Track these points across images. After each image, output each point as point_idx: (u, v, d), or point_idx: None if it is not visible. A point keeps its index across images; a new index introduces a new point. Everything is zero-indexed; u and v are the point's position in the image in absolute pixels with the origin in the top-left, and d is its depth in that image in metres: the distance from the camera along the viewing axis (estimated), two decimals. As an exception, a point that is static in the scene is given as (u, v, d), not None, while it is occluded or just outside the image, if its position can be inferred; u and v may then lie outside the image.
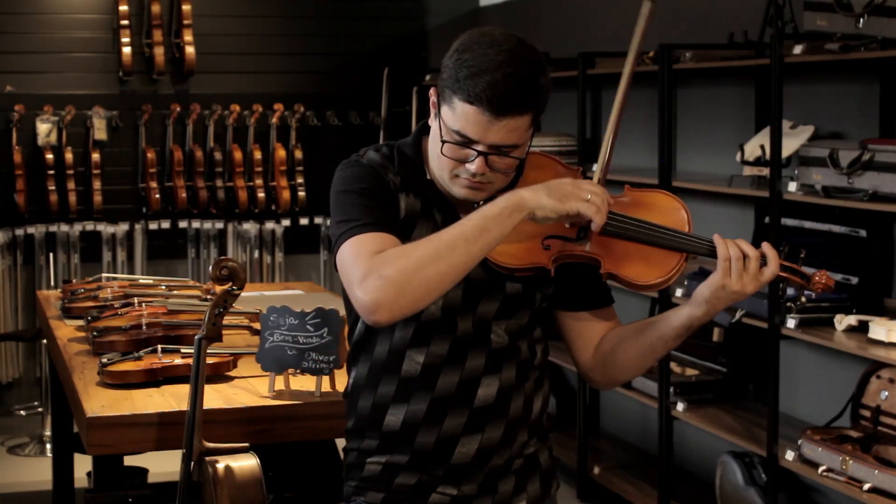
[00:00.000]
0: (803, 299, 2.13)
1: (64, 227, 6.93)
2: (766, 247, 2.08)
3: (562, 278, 2.17)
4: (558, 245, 2.08)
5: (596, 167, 2.15)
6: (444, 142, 2.05)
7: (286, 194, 7.17)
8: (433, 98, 2.12)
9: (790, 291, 2.14)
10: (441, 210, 2.15)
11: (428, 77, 6.70)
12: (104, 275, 4.57)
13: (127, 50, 6.90)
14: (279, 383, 3.01)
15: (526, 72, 2.01)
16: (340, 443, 3.49)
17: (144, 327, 3.48)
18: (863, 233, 3.87)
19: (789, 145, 3.99)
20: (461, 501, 2.18)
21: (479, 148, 2.03)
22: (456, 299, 2.13)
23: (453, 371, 2.14)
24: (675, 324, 2.10)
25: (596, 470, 5.11)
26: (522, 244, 2.08)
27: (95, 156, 6.91)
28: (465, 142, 2.03)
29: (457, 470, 2.16)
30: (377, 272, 1.92)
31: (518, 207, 1.96)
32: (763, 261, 2.06)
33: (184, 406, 2.78)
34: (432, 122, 2.13)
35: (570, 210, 1.99)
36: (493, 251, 2.03)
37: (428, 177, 2.17)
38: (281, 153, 7.18)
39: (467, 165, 2.05)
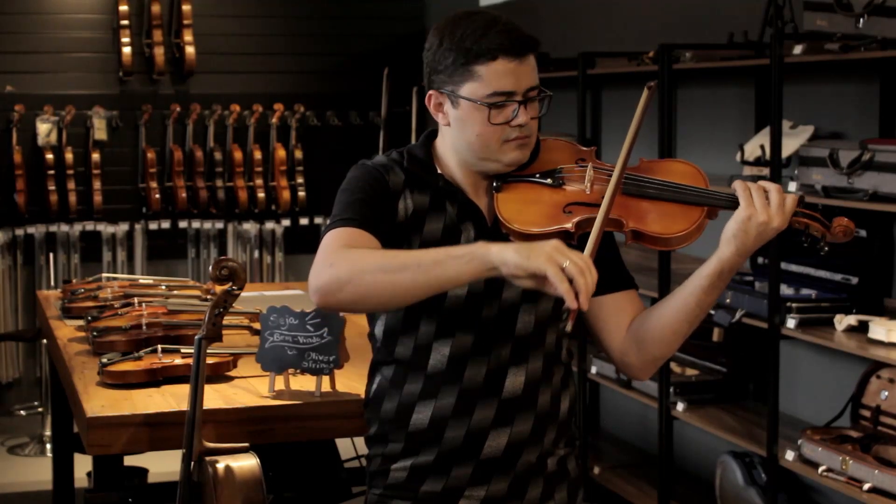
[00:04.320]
0: (826, 248, 2.12)
1: (64, 227, 6.93)
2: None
3: None
4: (580, 210, 2.09)
5: (589, 240, 1.98)
6: (490, 107, 2.08)
7: (286, 194, 7.18)
8: (435, 101, 2.15)
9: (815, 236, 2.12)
10: (453, 202, 2.16)
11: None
12: (104, 275, 4.57)
13: (127, 50, 6.91)
14: (279, 383, 3.01)
15: (509, 17, 2.13)
16: (340, 443, 3.49)
17: (144, 327, 3.48)
18: (863, 233, 3.87)
19: (789, 145, 3.99)
20: None
21: (518, 98, 2.09)
22: (480, 284, 2.13)
23: (480, 362, 2.14)
24: (706, 272, 2.09)
25: (596, 470, 5.11)
26: (544, 211, 2.10)
27: (95, 156, 6.91)
28: (505, 98, 2.09)
29: (486, 466, 2.16)
30: (332, 262, 1.97)
31: (482, 257, 1.88)
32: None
33: (184, 406, 2.78)
34: (449, 118, 2.15)
35: (537, 270, 1.82)
36: (514, 219, 2.07)
37: (439, 171, 2.19)
38: (281, 153, 7.18)
39: (514, 121, 2.09)
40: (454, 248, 1.95)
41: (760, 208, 2.03)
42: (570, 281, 1.82)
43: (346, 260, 1.96)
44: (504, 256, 1.86)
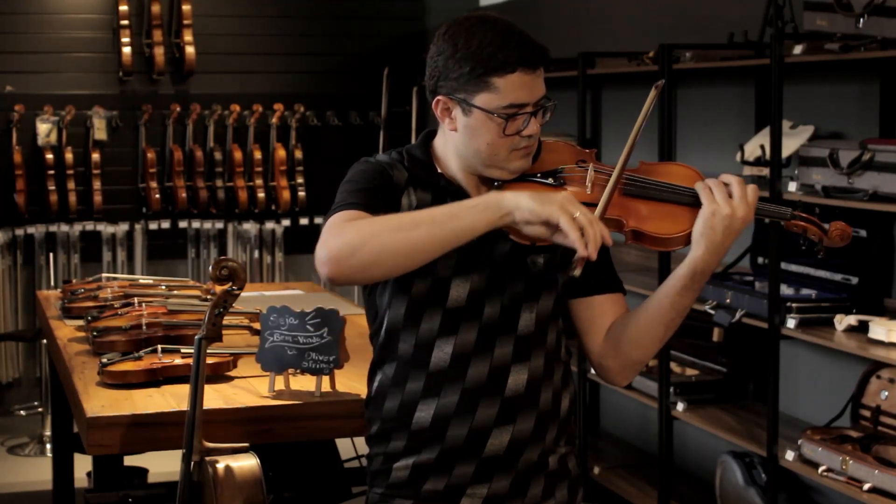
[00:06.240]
0: (823, 252, 2.13)
1: (64, 227, 6.93)
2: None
3: None
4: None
5: (600, 202, 2.06)
6: (506, 118, 2.08)
7: (286, 194, 7.18)
8: (443, 106, 2.14)
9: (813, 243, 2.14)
10: (455, 200, 2.16)
11: (428, 77, 6.70)
12: (104, 275, 4.58)
13: (127, 50, 6.91)
14: (279, 383, 3.01)
15: (519, 26, 2.13)
16: (340, 443, 3.50)
17: (144, 327, 3.49)
18: (863, 233, 3.87)
19: (789, 145, 3.99)
20: (491, 502, 2.18)
21: (530, 109, 2.10)
22: (482, 282, 2.14)
23: (483, 360, 2.15)
24: (679, 273, 2.10)
25: (596, 470, 5.12)
26: None
27: (95, 156, 6.91)
28: (518, 110, 2.09)
29: (488, 464, 2.16)
30: (340, 232, 1.96)
31: (496, 204, 1.93)
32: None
33: (184, 406, 2.78)
34: (457, 124, 2.14)
35: (550, 217, 1.89)
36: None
37: (439, 170, 2.20)
38: (281, 153, 7.18)
39: (524, 132, 2.10)
40: (467, 200, 1.97)
41: (722, 202, 2.04)
42: (581, 231, 1.88)
43: (355, 227, 1.96)
44: (518, 202, 1.91)
